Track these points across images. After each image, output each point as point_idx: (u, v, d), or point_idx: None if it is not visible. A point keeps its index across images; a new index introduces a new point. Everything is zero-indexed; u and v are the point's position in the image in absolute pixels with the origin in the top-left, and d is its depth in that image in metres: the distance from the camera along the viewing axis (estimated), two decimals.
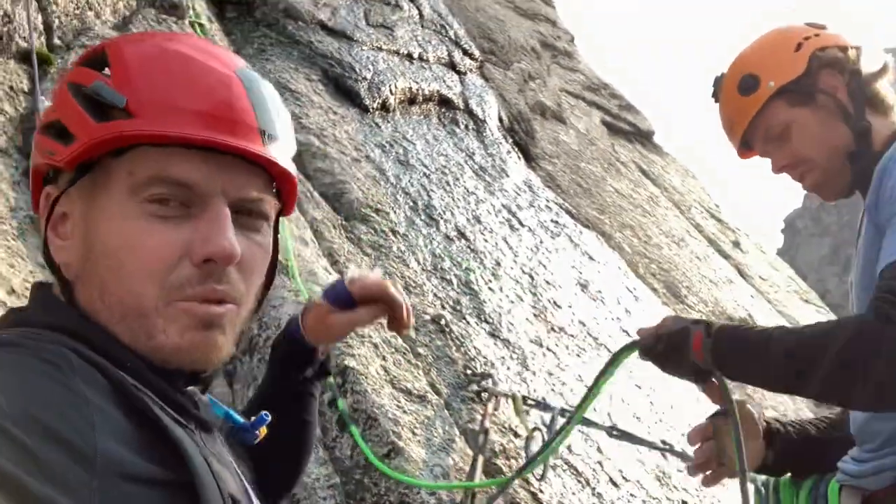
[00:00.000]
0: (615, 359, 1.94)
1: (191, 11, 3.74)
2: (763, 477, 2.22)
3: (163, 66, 0.91)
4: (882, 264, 1.57)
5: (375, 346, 2.54)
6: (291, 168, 0.99)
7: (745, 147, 2.00)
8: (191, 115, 0.88)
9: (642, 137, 8.55)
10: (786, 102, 1.86)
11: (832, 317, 6.81)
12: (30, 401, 0.71)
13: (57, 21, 2.97)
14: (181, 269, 0.88)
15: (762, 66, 1.91)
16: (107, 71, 0.90)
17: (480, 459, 2.28)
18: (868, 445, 1.72)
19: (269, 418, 1.06)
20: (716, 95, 2.04)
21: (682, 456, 2.71)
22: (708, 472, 1.83)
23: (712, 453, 1.80)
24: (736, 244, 7.39)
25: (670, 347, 1.77)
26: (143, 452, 0.76)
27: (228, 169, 0.91)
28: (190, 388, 0.96)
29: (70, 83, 0.91)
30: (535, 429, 2.51)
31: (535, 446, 2.54)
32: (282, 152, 0.97)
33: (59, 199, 0.93)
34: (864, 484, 1.74)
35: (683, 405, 3.71)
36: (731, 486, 2.85)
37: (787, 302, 6.75)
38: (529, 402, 2.66)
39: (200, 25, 3.73)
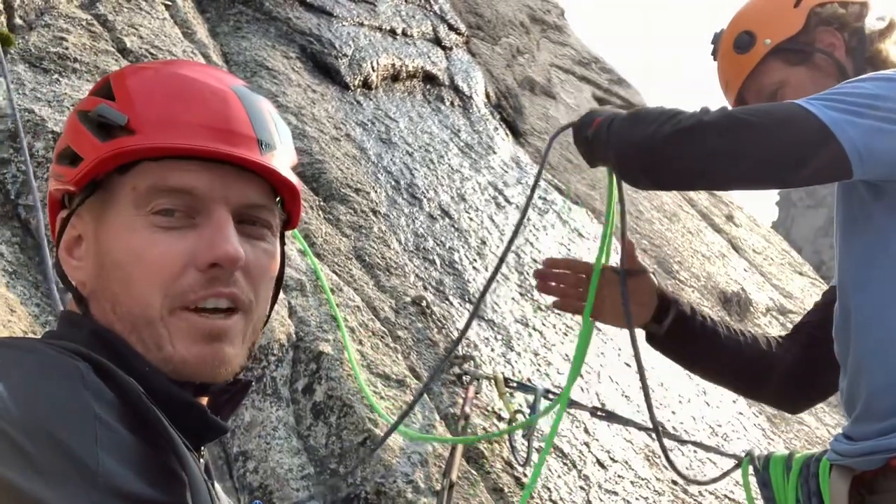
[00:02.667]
0: (553, 138, 1.96)
1: None
2: (757, 453, 2.17)
3: (161, 86, 0.96)
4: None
5: (352, 329, 2.47)
6: (292, 177, 1.01)
7: (742, 105, 1.92)
8: (189, 128, 0.92)
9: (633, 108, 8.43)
10: (782, 61, 1.80)
11: (825, 289, 6.77)
12: (38, 408, 0.72)
13: (18, 0, 2.87)
14: (186, 277, 0.90)
15: (759, 22, 1.85)
16: (112, 97, 0.96)
17: (460, 447, 2.21)
18: (867, 424, 1.64)
19: None
20: (714, 53, 1.98)
21: (670, 436, 2.65)
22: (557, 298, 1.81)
23: (574, 289, 1.79)
24: (729, 218, 7.31)
25: (585, 122, 1.72)
26: (145, 472, 0.75)
27: (228, 178, 0.94)
28: (200, 402, 0.96)
29: (79, 111, 0.97)
30: (517, 411, 2.45)
31: (519, 429, 2.48)
32: (281, 162, 0.99)
33: (69, 220, 0.98)
34: (855, 464, 1.67)
35: (674, 383, 3.65)
36: (721, 464, 2.80)
37: (780, 275, 6.69)
38: (512, 383, 2.59)
39: (171, 3, 3.61)
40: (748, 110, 1.55)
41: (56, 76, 2.61)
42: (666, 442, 2.37)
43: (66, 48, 2.74)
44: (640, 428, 2.54)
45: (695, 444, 2.58)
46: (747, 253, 6.65)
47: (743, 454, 2.24)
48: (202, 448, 0.99)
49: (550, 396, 2.51)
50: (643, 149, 1.56)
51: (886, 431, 1.56)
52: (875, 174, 1.50)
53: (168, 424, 0.83)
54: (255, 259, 0.96)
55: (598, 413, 2.42)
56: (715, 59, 1.98)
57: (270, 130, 0.99)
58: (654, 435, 2.44)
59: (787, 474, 2.02)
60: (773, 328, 5.49)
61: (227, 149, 0.93)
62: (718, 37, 1.96)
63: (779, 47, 1.80)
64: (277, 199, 1.03)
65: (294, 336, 2.31)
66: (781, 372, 1.92)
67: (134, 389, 0.82)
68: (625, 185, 1.87)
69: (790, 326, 5.88)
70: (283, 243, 1.07)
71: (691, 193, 7.27)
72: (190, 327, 0.91)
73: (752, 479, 2.09)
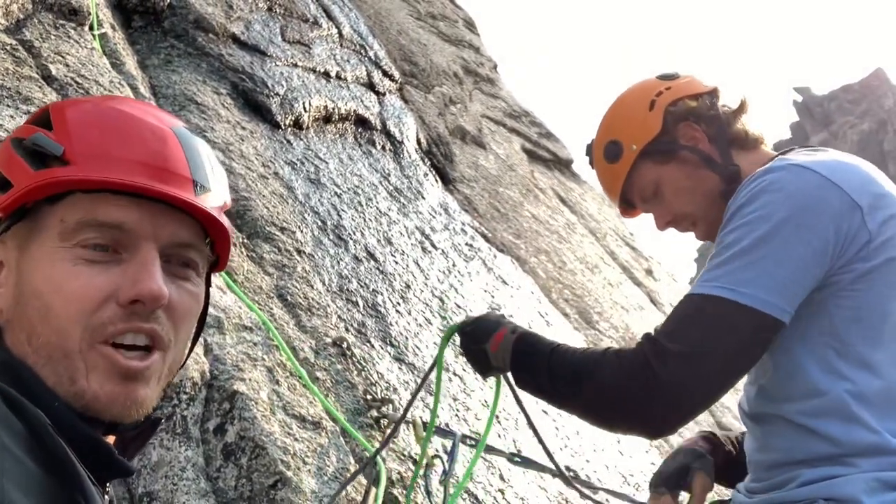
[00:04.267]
0: (444, 339, 2.09)
1: (92, 18, 3.58)
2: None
3: (100, 121, 0.96)
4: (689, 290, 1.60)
5: (269, 369, 2.44)
6: (224, 220, 1.01)
7: (629, 207, 2.02)
8: (124, 163, 0.92)
9: (561, 165, 8.67)
10: (651, 161, 1.86)
11: None
12: None
13: None
14: (105, 310, 0.89)
15: (622, 130, 1.91)
16: (49, 127, 0.96)
17: (373, 491, 2.19)
18: (755, 477, 1.72)
19: None
20: (591, 163, 2.05)
21: (584, 483, 2.68)
22: None
23: None
24: (649, 272, 7.54)
25: (478, 331, 1.88)
26: None
27: (159, 215, 0.94)
28: (107, 441, 0.94)
29: (13, 138, 0.97)
30: (435, 456, 2.45)
31: (435, 474, 2.47)
32: (214, 204, 1.00)
33: None
34: None
35: (587, 431, 3.71)
36: None
37: None
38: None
39: (102, 35, 3.56)
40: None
41: None
42: (578, 488, 2.41)
43: None
44: (555, 474, 2.56)
45: (607, 491, 2.62)
46: (664, 307, 6.86)
47: None
48: (107, 485, 0.97)
49: (469, 441, 2.51)
50: (546, 392, 1.78)
51: (769, 483, 1.63)
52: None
53: (75, 460, 0.82)
54: (179, 299, 0.96)
55: (515, 459, 2.44)
56: (592, 168, 2.06)
57: (206, 172, 1.00)
58: (567, 482, 2.47)
59: None
60: None
61: (161, 186, 0.93)
62: (591, 147, 2.03)
63: (645, 150, 1.86)
64: (207, 240, 1.03)
65: (208, 374, 2.27)
66: None
67: (42, 423, 0.81)
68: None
69: None
70: (208, 284, 1.07)
71: (612, 245, 7.48)
72: (107, 364, 0.90)
73: None
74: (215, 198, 1.01)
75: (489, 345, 1.85)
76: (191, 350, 1.07)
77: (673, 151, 1.83)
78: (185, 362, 1.05)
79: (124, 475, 0.95)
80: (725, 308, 1.47)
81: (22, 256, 0.93)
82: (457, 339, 2.01)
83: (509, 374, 1.91)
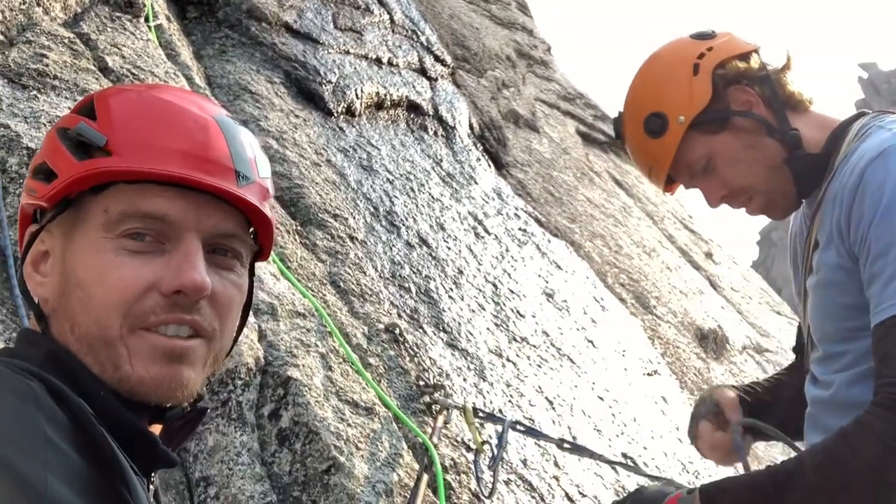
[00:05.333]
0: None
1: (147, 10, 3.64)
2: None
3: (143, 110, 0.96)
4: (875, 319, 1.45)
5: (322, 355, 2.45)
6: (267, 210, 1.01)
7: (671, 183, 1.85)
8: (167, 154, 0.92)
9: (617, 147, 8.52)
10: (702, 133, 1.69)
11: None
12: None
13: (0, 16, 2.87)
14: (148, 299, 0.89)
15: (664, 100, 1.72)
16: (93, 117, 0.96)
17: (425, 477, 2.19)
18: None
19: None
20: (620, 138, 1.87)
21: (634, 470, 2.64)
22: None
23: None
24: (708, 255, 7.37)
25: None
26: (92, 497, 0.75)
27: (202, 206, 0.93)
28: (152, 431, 0.95)
29: (59, 128, 0.97)
30: (484, 442, 2.43)
31: (486, 460, 2.46)
32: (257, 194, 0.99)
33: (38, 235, 0.98)
34: None
35: (645, 418, 3.65)
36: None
37: (757, 313, 6.74)
38: (481, 413, 2.57)
39: (158, 26, 3.62)
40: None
41: (34, 93, 2.60)
42: (633, 477, 2.36)
43: (47, 65, 2.73)
44: (606, 461, 2.52)
45: (657, 478, 2.56)
46: (725, 291, 6.70)
47: None
48: (152, 475, 0.97)
49: (519, 428, 2.49)
50: None
51: None
52: None
53: (118, 450, 0.82)
54: (223, 289, 0.96)
55: (565, 445, 2.40)
56: (622, 143, 1.88)
57: (249, 162, 0.99)
58: (621, 470, 2.43)
59: None
60: (749, 366, 5.51)
61: (203, 177, 0.93)
62: (620, 122, 1.84)
63: (695, 121, 1.68)
64: (251, 230, 1.02)
65: (262, 360, 2.29)
66: None
67: (85, 413, 0.81)
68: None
69: (766, 364, 5.89)
70: (252, 275, 1.07)
71: (670, 229, 7.33)
72: (150, 346, 0.90)
73: None
74: (258, 187, 1.00)
75: None
76: (235, 340, 1.06)
77: (726, 119, 1.67)
78: (230, 352, 1.05)
79: (168, 466, 0.95)
80: None
81: (67, 246, 0.94)
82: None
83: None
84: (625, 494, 2.43)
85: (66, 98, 2.65)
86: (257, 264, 1.13)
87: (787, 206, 1.74)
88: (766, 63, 1.73)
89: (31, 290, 0.98)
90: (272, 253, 2.81)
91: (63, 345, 0.91)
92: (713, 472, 3.65)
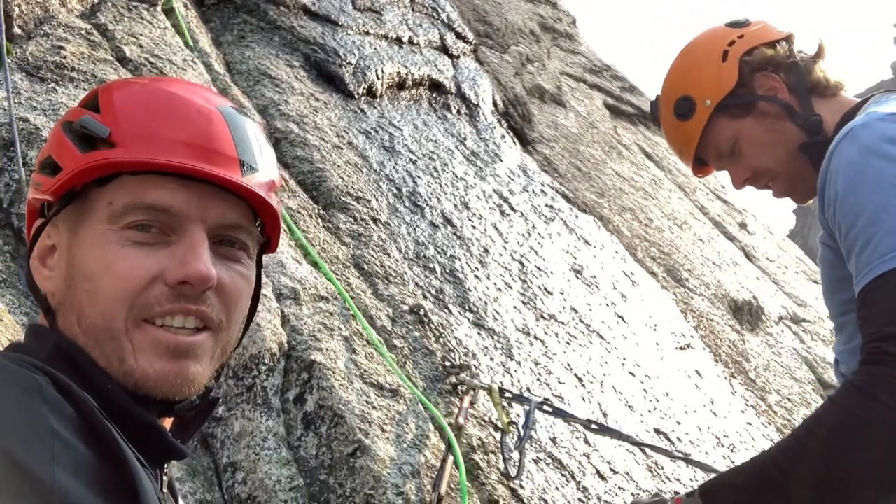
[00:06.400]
0: None
1: None
2: None
3: (147, 101, 0.96)
4: (857, 289, 1.43)
5: (346, 339, 2.44)
6: (272, 200, 1.00)
7: (701, 165, 1.94)
8: (171, 144, 0.92)
9: (646, 119, 8.37)
10: (728, 117, 1.78)
11: None
12: None
13: (17, 10, 2.88)
14: (153, 290, 0.89)
15: (693, 84, 1.83)
16: (97, 109, 0.96)
17: (451, 458, 2.17)
18: None
19: None
20: (656, 120, 1.97)
21: (661, 451, 2.60)
22: None
23: None
24: (742, 226, 7.24)
25: None
26: (100, 489, 0.75)
27: (207, 197, 0.93)
28: (160, 423, 0.95)
29: (64, 122, 0.97)
30: (511, 422, 2.41)
31: (513, 440, 2.44)
32: (263, 184, 0.98)
33: (44, 228, 0.97)
34: None
35: (679, 393, 3.59)
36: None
37: (794, 283, 6.60)
38: (507, 393, 2.55)
39: (171, 10, 3.61)
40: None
41: (53, 85, 2.62)
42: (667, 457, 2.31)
43: (65, 57, 2.75)
44: (634, 443, 2.48)
45: (685, 459, 2.51)
46: (760, 261, 6.58)
47: None
48: (165, 466, 0.97)
49: (546, 408, 2.46)
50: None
51: None
52: None
53: (125, 443, 0.82)
54: (230, 280, 0.95)
55: (593, 426, 2.37)
56: (658, 126, 1.97)
57: (253, 152, 0.98)
58: (644, 450, 2.36)
59: None
60: (786, 336, 5.41)
61: (208, 168, 0.92)
62: (656, 105, 1.95)
63: (721, 105, 1.78)
64: (257, 221, 1.02)
65: (286, 345, 2.29)
66: None
67: (89, 405, 0.80)
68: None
69: (803, 335, 5.76)
70: (260, 266, 1.06)
71: (702, 200, 7.20)
72: (154, 341, 0.90)
73: None
74: (263, 178, 0.99)
75: None
76: (245, 331, 1.06)
77: (751, 104, 1.75)
78: (239, 343, 1.04)
79: (177, 458, 0.95)
80: None
81: (73, 239, 0.94)
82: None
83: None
84: (653, 475, 2.38)
85: (84, 90, 2.65)
86: (279, 248, 1.13)
87: (807, 190, 1.80)
88: (799, 51, 1.79)
89: (39, 283, 0.97)
90: (301, 236, 2.82)
91: (70, 338, 0.91)
92: (749, 444, 3.60)
